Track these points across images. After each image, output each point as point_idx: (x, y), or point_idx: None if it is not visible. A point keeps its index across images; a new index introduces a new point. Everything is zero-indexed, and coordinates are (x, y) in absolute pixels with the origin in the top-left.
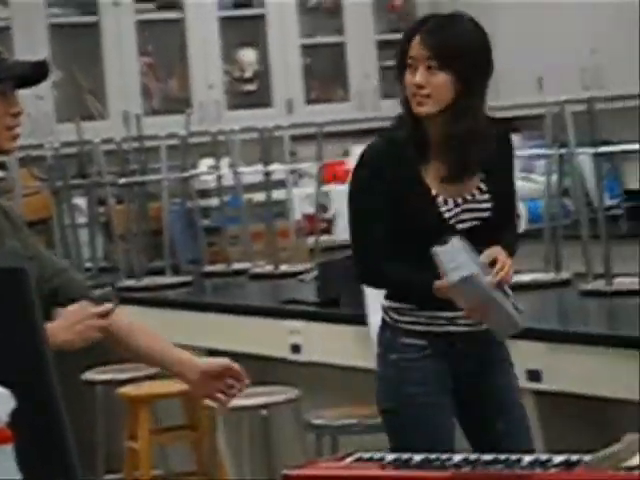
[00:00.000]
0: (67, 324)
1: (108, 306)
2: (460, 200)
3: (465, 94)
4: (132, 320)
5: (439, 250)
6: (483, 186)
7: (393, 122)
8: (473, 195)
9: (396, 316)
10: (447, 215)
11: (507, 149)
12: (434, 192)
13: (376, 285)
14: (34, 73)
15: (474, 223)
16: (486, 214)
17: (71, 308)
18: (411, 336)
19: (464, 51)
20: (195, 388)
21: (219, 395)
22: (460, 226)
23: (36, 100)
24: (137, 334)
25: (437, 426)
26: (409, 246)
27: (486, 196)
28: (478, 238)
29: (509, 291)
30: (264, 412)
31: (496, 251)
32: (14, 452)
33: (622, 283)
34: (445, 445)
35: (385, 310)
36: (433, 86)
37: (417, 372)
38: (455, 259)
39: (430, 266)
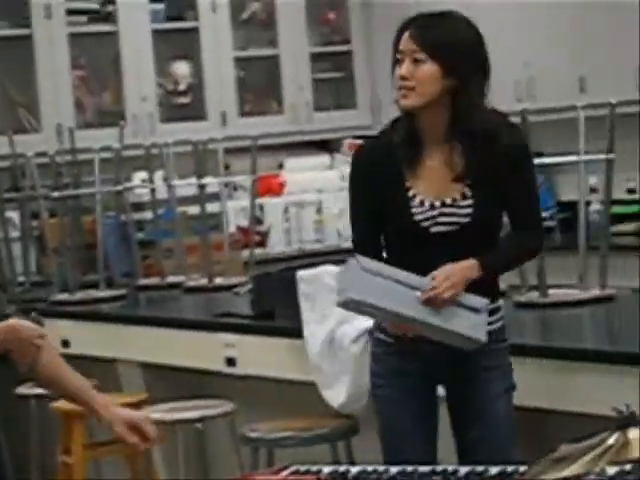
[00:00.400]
0: (14, 333)
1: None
2: (438, 203)
3: (461, 91)
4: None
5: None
6: (468, 191)
7: (390, 122)
8: (454, 200)
9: None
10: (419, 217)
11: (515, 154)
12: (412, 193)
13: None
14: None
15: (451, 228)
16: (465, 220)
17: (21, 323)
18: (382, 332)
19: (450, 43)
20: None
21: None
22: (434, 229)
23: None
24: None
25: (395, 422)
26: (387, 246)
27: (469, 202)
28: (455, 244)
29: (477, 304)
30: (199, 426)
31: (444, 270)
32: None
33: (556, 295)
34: (403, 443)
35: None
36: (417, 78)
37: (382, 367)
38: (345, 281)
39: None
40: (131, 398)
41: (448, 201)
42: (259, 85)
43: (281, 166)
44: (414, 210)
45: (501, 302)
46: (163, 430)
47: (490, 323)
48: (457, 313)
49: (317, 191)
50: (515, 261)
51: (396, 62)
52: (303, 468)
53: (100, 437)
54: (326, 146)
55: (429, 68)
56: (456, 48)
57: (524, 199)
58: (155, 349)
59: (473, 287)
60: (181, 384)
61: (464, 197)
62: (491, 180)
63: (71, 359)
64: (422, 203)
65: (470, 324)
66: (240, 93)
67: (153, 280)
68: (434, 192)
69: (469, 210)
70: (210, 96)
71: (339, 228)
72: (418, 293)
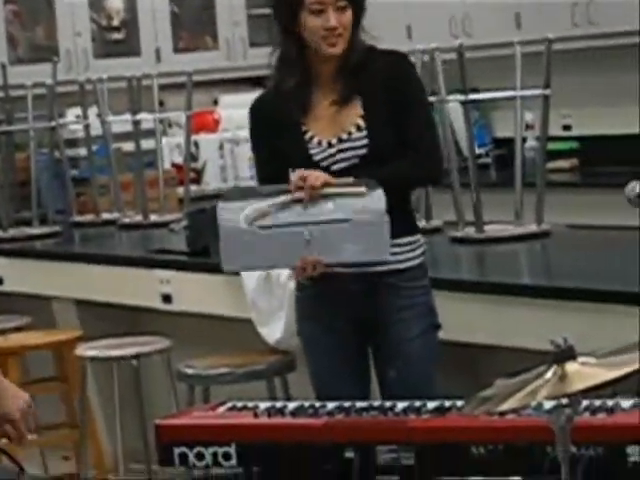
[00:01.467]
0: None
1: None
2: (335, 140)
3: (356, 27)
4: None
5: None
6: (361, 122)
7: (276, 67)
8: (350, 133)
9: None
10: (319, 157)
11: (400, 81)
12: (309, 135)
13: None
14: None
15: (350, 162)
16: (362, 151)
17: None
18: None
19: None
20: None
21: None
22: (335, 167)
23: None
24: None
25: (317, 361)
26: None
27: (363, 133)
28: (359, 176)
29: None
30: (135, 362)
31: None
32: None
33: (493, 230)
34: (327, 380)
35: None
36: (343, 25)
37: (303, 309)
38: (228, 249)
39: None
40: (66, 335)
41: (344, 136)
42: (194, 21)
43: (216, 102)
44: (312, 151)
45: (419, 237)
46: (99, 367)
47: (407, 260)
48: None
49: None
50: (397, 181)
51: (294, 10)
52: (240, 404)
53: (35, 374)
54: (261, 82)
55: (349, 14)
56: None
57: (415, 125)
58: (90, 286)
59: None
60: (116, 321)
61: (358, 129)
62: (381, 108)
63: (5, 296)
64: (320, 143)
65: (365, 245)
66: (174, 29)
67: (88, 217)
68: (330, 130)
69: (365, 141)
70: (144, 32)
71: None
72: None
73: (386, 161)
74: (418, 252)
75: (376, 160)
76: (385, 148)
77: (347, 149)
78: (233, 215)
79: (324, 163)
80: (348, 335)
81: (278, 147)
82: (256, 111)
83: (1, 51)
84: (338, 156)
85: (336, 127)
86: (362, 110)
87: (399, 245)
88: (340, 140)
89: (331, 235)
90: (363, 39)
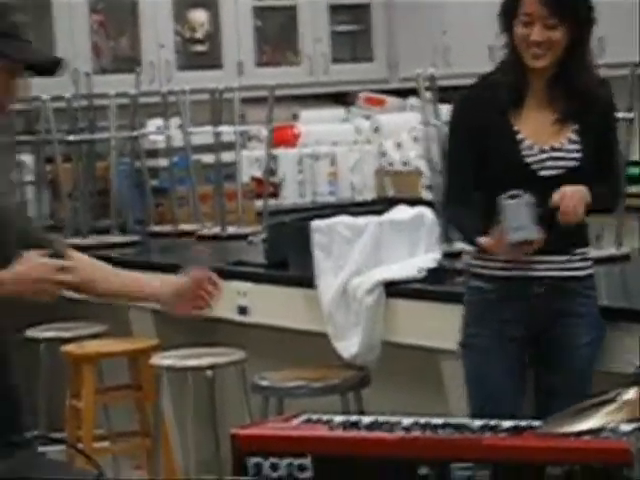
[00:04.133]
0: (25, 276)
1: (69, 262)
2: (547, 147)
3: (581, 50)
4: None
5: (506, 203)
6: (575, 136)
7: (495, 67)
8: (562, 144)
9: (468, 259)
10: (530, 160)
11: (609, 108)
12: (520, 136)
13: (450, 225)
14: (46, 67)
15: (560, 171)
16: (573, 163)
17: (34, 261)
18: (477, 279)
19: (578, 7)
20: (171, 307)
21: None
22: (543, 173)
23: None
24: (100, 277)
25: (482, 370)
26: (491, 190)
27: (576, 146)
28: (559, 187)
29: None
30: (209, 373)
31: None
32: None
33: None
34: (489, 390)
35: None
36: (552, 42)
37: (475, 315)
38: (519, 218)
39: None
40: (142, 344)
41: (557, 145)
42: (277, 35)
43: (296, 117)
44: (524, 153)
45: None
46: (174, 376)
47: (585, 268)
48: None
49: (332, 144)
50: (602, 204)
51: (511, 18)
52: (315, 417)
53: (110, 382)
54: (342, 99)
55: (560, 34)
56: (581, 11)
57: (613, 152)
58: None
59: (564, 230)
60: (192, 331)
61: (570, 142)
62: (594, 128)
63: (82, 303)
64: (531, 147)
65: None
66: (258, 43)
67: (166, 227)
68: (543, 137)
69: (577, 155)
70: (227, 45)
71: (352, 181)
72: None
73: (588, 177)
74: (589, 263)
75: (582, 174)
76: (592, 166)
77: (559, 158)
78: None
79: (533, 167)
80: (518, 340)
81: (483, 141)
82: (464, 104)
83: (85, 60)
84: (548, 163)
85: (549, 135)
86: (576, 125)
87: (580, 254)
88: (553, 148)
89: None
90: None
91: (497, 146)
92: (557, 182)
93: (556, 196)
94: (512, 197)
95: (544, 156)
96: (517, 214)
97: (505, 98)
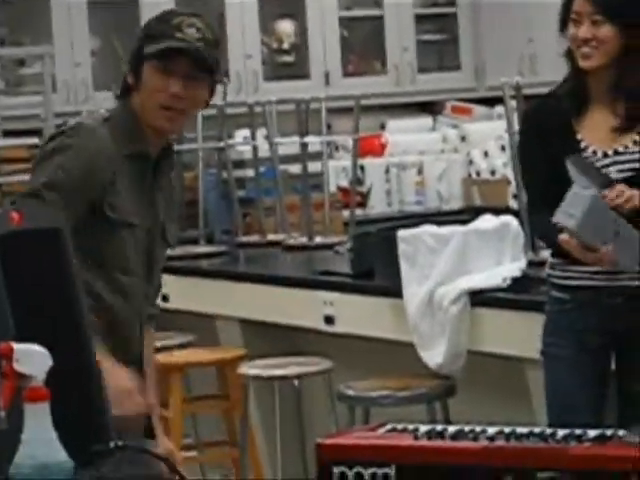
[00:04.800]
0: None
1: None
2: (611, 152)
3: (633, 49)
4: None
5: (572, 160)
6: (638, 138)
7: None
8: (626, 147)
9: (549, 270)
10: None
11: None
12: (584, 144)
13: (533, 234)
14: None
15: (625, 174)
16: (638, 165)
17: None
18: (557, 289)
19: (626, 4)
20: None
21: None
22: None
23: (74, 67)
24: None
25: (559, 379)
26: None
27: None
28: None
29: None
30: (296, 382)
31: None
32: (50, 410)
33: None
34: (566, 400)
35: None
36: (599, 40)
37: (554, 324)
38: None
39: None
40: (229, 353)
41: (620, 149)
42: (363, 45)
43: (383, 127)
44: (589, 160)
45: None
46: (261, 386)
47: None
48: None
49: (419, 153)
50: None
51: (565, 20)
52: (400, 426)
53: (197, 392)
54: (428, 108)
55: (608, 30)
56: (630, 7)
57: None
58: (254, 305)
59: None
60: (279, 341)
61: (635, 143)
62: None
63: (170, 314)
64: (595, 152)
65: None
66: (344, 53)
67: (253, 238)
68: (605, 141)
69: None
70: (314, 55)
71: (439, 190)
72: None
73: None
74: None
75: None
76: None
77: (624, 162)
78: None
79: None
80: (597, 350)
81: (550, 152)
82: (530, 115)
83: None
84: (612, 168)
85: (612, 140)
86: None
87: None
88: (617, 152)
89: None
90: None
91: (562, 155)
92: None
93: (612, 193)
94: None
95: (607, 161)
96: (582, 170)
97: (567, 106)
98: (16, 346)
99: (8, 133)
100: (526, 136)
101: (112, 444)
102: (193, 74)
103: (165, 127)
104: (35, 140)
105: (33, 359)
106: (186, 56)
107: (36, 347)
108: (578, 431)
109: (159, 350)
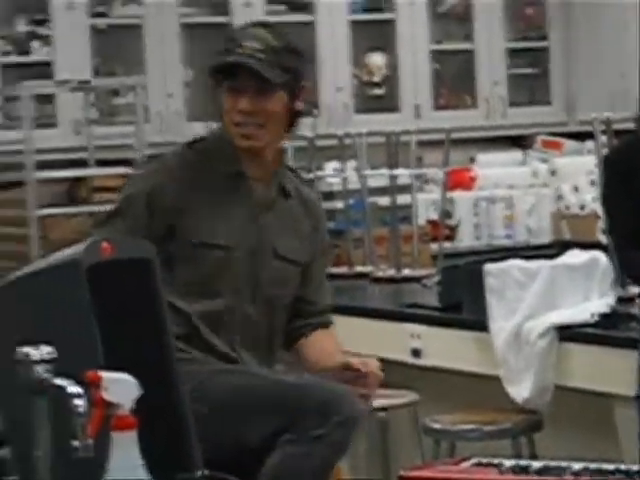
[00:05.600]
0: None
1: None
2: None
3: None
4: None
5: None
6: None
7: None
8: None
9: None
10: None
11: None
12: None
13: (626, 273)
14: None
15: None
16: None
17: None
18: None
19: None
20: None
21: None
22: None
23: (166, 98)
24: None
25: None
26: None
27: None
28: None
29: None
30: (382, 415)
31: None
32: (137, 439)
33: None
34: None
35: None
36: None
37: None
38: None
39: None
40: None
41: None
42: (454, 79)
43: (473, 160)
44: None
45: None
46: None
47: None
48: None
49: (508, 187)
50: None
51: None
52: (485, 460)
53: None
54: (519, 142)
55: None
56: None
57: None
58: (341, 337)
59: None
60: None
61: None
62: None
63: None
64: None
65: None
66: (434, 86)
67: (341, 269)
68: None
69: None
70: (405, 88)
71: (529, 224)
72: None
73: None
74: None
75: None
76: None
77: None
78: None
79: None
80: None
81: (636, 189)
82: (612, 160)
83: None
84: None
85: None
86: None
87: None
88: None
89: None
90: None
91: None
92: None
93: None
94: None
95: None
96: None
97: None
98: (105, 374)
99: (101, 162)
100: (612, 179)
101: (198, 473)
102: (258, 87)
103: (242, 144)
104: (127, 170)
105: (121, 388)
106: (244, 71)
107: (125, 376)
108: None
109: None
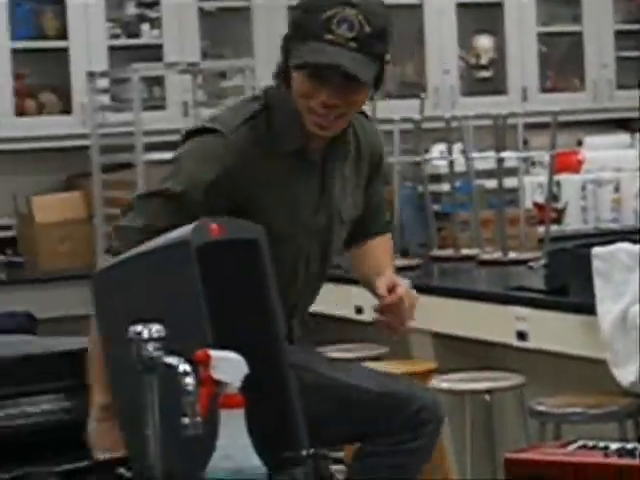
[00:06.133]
0: None
1: None
2: None
3: None
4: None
5: None
6: None
7: None
8: None
9: None
10: None
11: None
12: None
13: None
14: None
15: None
16: None
17: None
18: None
19: None
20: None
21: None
22: None
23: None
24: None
25: None
26: None
27: None
28: None
29: None
30: (487, 397)
31: None
32: (245, 417)
33: None
34: None
35: None
36: None
37: None
38: None
39: None
40: (421, 367)
41: None
42: (561, 61)
43: (580, 143)
44: None
45: None
46: (452, 400)
47: None
48: None
49: (615, 170)
50: None
51: None
52: (591, 443)
53: None
54: (627, 125)
55: None
56: None
57: None
58: (447, 319)
59: None
60: (470, 355)
61: None
62: None
63: (365, 326)
64: None
65: None
66: (542, 69)
67: (447, 252)
68: None
69: None
70: (512, 71)
71: (636, 207)
72: None
73: None
74: None
75: None
76: None
77: None
78: None
79: None
80: None
81: None
82: None
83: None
84: None
85: None
86: None
87: None
88: None
89: None
90: None
91: None
92: None
93: None
94: None
95: None
96: None
97: None
98: (213, 353)
99: None
100: None
101: (304, 451)
102: (346, 82)
103: (316, 132)
104: None
105: (229, 366)
106: (335, 68)
107: (233, 354)
108: None
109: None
